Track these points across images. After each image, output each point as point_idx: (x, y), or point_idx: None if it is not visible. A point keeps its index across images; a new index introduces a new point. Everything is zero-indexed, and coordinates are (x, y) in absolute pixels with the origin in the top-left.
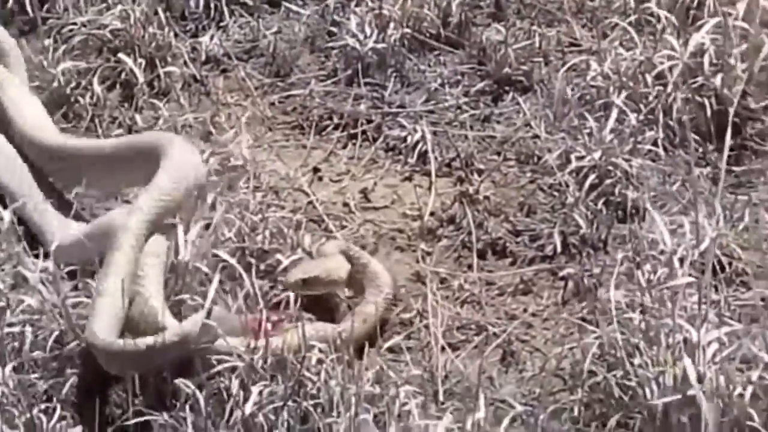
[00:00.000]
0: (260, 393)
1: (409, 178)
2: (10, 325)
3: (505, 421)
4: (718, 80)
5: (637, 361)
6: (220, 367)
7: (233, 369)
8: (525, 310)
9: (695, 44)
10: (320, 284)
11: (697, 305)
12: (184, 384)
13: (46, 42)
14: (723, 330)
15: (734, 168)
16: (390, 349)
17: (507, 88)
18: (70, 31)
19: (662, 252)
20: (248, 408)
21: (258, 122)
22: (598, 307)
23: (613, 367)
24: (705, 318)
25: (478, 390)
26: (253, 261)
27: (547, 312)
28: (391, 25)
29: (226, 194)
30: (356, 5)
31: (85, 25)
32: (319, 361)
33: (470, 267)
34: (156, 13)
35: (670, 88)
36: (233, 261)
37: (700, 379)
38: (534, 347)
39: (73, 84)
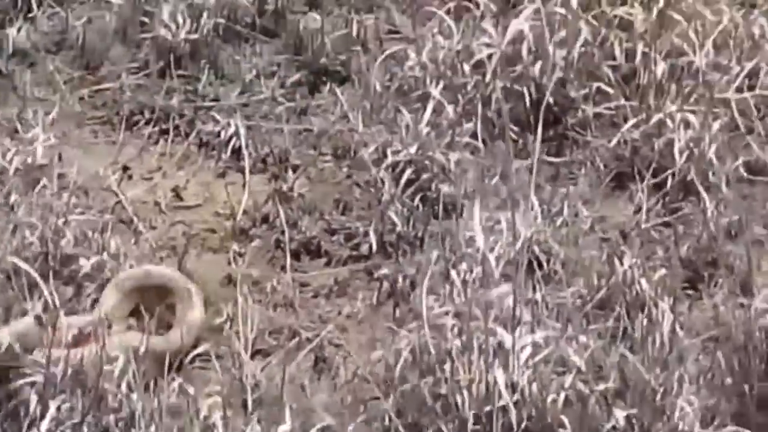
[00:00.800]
0: (58, 408)
1: (223, 175)
2: None
3: None
4: (536, 69)
5: (448, 367)
6: (18, 383)
7: (32, 384)
8: (339, 313)
9: (514, 31)
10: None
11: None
12: None
13: None
14: (538, 334)
15: (554, 159)
16: (198, 356)
17: (324, 78)
18: None
19: (479, 250)
20: (44, 426)
21: (66, 118)
22: (412, 310)
23: (426, 374)
24: (519, 321)
25: (283, 400)
26: (56, 266)
27: (361, 314)
28: (205, 14)
29: (30, 195)
30: None
31: None
32: (122, 373)
33: (283, 268)
34: None
35: (488, 77)
36: (29, 268)
37: (513, 387)
38: (347, 352)
39: None
